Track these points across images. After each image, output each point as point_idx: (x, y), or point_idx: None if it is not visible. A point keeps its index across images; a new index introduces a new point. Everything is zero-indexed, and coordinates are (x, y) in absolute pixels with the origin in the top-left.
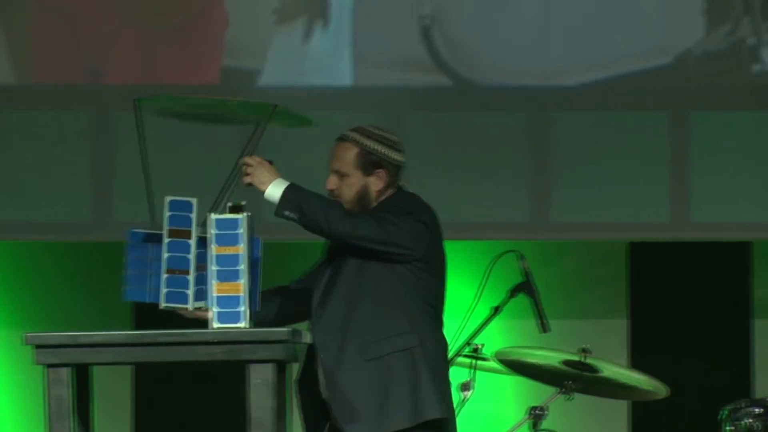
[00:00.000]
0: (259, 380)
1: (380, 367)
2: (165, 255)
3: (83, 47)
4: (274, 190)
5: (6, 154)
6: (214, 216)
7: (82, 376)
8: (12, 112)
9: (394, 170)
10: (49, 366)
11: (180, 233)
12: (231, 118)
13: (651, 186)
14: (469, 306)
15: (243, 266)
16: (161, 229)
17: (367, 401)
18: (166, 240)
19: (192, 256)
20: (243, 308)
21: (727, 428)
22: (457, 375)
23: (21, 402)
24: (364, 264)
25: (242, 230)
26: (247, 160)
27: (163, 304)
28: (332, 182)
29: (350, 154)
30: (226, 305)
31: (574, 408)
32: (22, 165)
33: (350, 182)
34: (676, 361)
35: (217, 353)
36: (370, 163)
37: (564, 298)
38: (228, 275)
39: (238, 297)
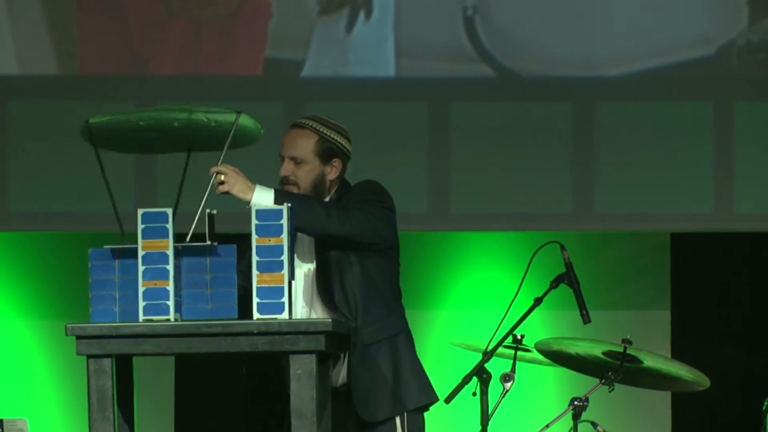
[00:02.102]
0: (301, 371)
1: (382, 350)
2: (141, 268)
3: (128, 38)
4: (262, 197)
5: (51, 144)
6: (255, 207)
7: (123, 366)
8: (57, 102)
9: (347, 160)
10: (91, 357)
11: (156, 245)
12: (187, 135)
13: (694, 177)
14: (512, 297)
15: (284, 257)
16: (132, 242)
17: (382, 384)
18: (141, 253)
19: (170, 266)
20: (284, 299)
21: None
22: (498, 366)
23: (67, 392)
24: (349, 255)
25: (284, 221)
26: (220, 168)
27: (142, 317)
28: (287, 169)
29: (310, 141)
30: (267, 296)
31: (616, 399)
32: (66, 156)
33: (307, 169)
34: (718, 351)
35: (260, 344)
36: (327, 152)
37: (606, 289)
38: (269, 266)
39: (280, 288)
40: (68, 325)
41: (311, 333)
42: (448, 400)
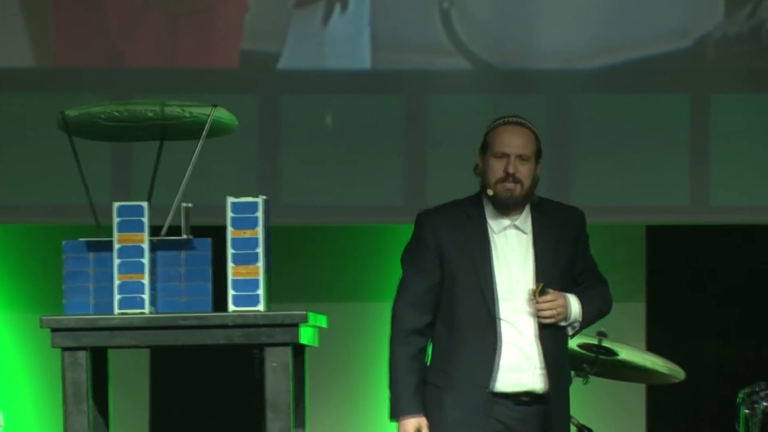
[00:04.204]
0: (276, 363)
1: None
2: (117, 261)
3: (104, 30)
4: (575, 308)
5: (26, 137)
6: (231, 199)
7: (99, 359)
8: (32, 94)
9: None
10: (66, 349)
11: (131, 238)
12: (163, 125)
13: (670, 169)
14: None
15: (260, 249)
16: (107, 235)
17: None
18: (117, 246)
19: (146, 260)
20: (261, 291)
21: (745, 411)
22: None
23: (40, 385)
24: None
25: (259, 214)
26: (551, 297)
27: (117, 311)
28: (514, 166)
29: (531, 139)
30: (243, 288)
31: (591, 392)
32: (41, 148)
33: (530, 168)
34: (694, 344)
35: (235, 336)
36: (539, 152)
37: None
38: (245, 258)
39: (255, 280)
40: (43, 318)
41: (287, 325)
42: None
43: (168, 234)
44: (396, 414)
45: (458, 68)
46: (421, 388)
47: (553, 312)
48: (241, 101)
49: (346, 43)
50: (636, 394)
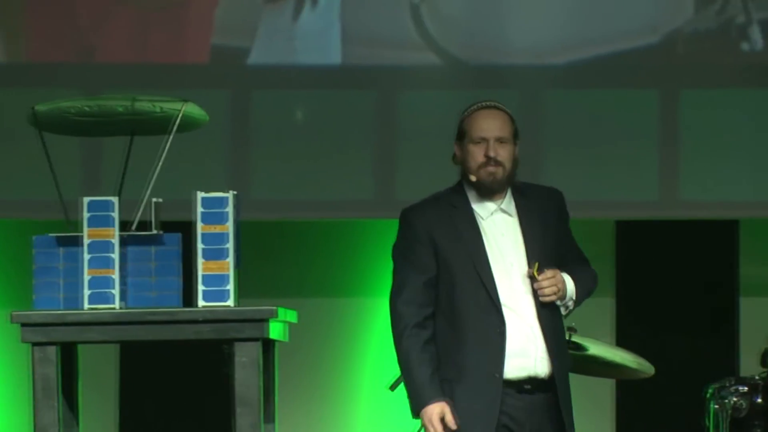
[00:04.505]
0: (246, 358)
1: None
2: (87, 256)
3: (75, 25)
4: (571, 294)
5: None
6: (200, 194)
7: (68, 354)
8: (3, 89)
9: None
10: (36, 344)
11: (101, 233)
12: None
13: (639, 165)
14: None
15: (230, 245)
16: (76, 230)
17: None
18: (86, 241)
19: (116, 255)
20: (230, 286)
21: (713, 406)
22: None
23: (11, 380)
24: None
25: (229, 209)
26: (551, 274)
27: (87, 306)
28: (494, 149)
29: (507, 121)
30: (212, 284)
31: None
32: (11, 143)
33: (510, 150)
34: (662, 339)
35: (204, 332)
36: (515, 133)
37: None
38: (214, 254)
39: (225, 275)
40: (13, 313)
41: (256, 321)
42: (392, 388)
43: (138, 229)
44: (418, 406)
45: (428, 64)
46: (436, 377)
47: (554, 289)
48: (211, 96)
49: (316, 39)
50: (605, 389)
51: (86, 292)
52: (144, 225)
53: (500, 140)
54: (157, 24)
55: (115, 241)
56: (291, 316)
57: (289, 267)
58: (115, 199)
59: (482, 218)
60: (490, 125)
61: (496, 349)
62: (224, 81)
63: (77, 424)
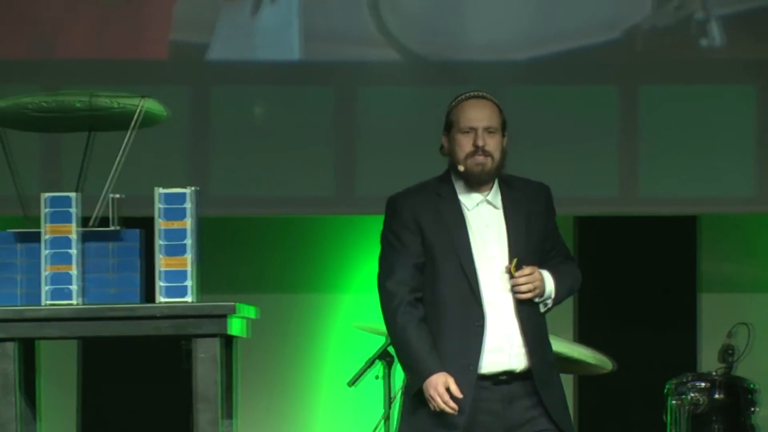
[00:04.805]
0: (204, 354)
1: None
2: (46, 252)
3: (34, 21)
4: (550, 285)
5: None
6: (160, 190)
7: (27, 350)
8: None
9: None
10: None
11: (60, 229)
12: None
13: (599, 160)
14: None
15: (189, 240)
16: (36, 226)
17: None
18: (46, 237)
19: (75, 251)
20: (189, 282)
21: (672, 402)
22: None
23: None
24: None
25: (189, 205)
26: (529, 271)
27: (46, 302)
28: (483, 139)
29: (495, 111)
30: (172, 280)
31: None
32: None
33: (498, 140)
34: (622, 335)
35: (164, 328)
36: (503, 124)
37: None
38: (174, 250)
39: (184, 271)
40: None
41: (215, 316)
42: (351, 384)
43: (97, 225)
44: (420, 378)
45: (388, 60)
46: (435, 351)
47: (531, 286)
48: (170, 92)
49: (275, 34)
50: (565, 384)
51: (45, 288)
52: (104, 221)
53: (489, 130)
54: (116, 20)
55: (75, 237)
56: (251, 312)
57: (248, 263)
58: (74, 195)
59: (468, 209)
60: (478, 115)
61: (474, 342)
62: (183, 77)
63: (36, 420)
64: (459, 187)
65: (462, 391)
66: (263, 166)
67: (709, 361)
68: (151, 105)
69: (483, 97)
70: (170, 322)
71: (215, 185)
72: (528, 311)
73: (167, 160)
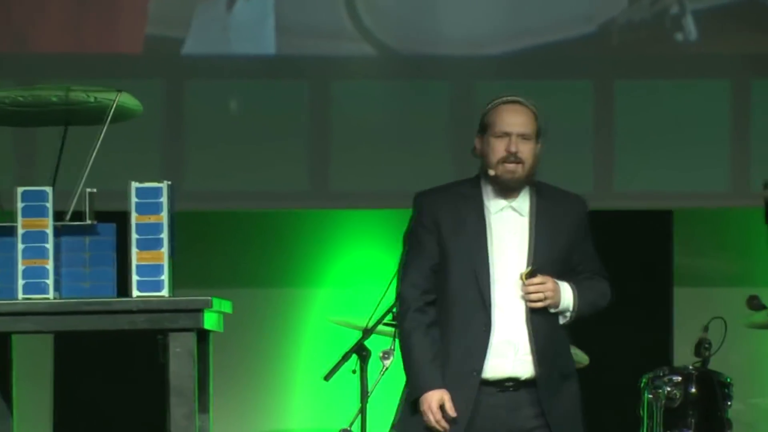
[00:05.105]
0: (180, 349)
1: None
2: (21, 246)
3: (7, 14)
4: (568, 298)
5: None
6: (135, 184)
7: (2, 345)
8: None
9: None
10: None
11: (35, 223)
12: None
13: (574, 155)
14: (391, 274)
15: (164, 235)
16: (11, 220)
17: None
18: (21, 231)
19: (50, 245)
20: (164, 277)
21: (647, 396)
22: (378, 343)
23: None
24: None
25: (164, 199)
26: (540, 281)
27: (21, 296)
28: (516, 146)
29: (532, 118)
30: (147, 274)
31: None
32: None
33: (531, 147)
34: (597, 329)
35: (139, 322)
36: (539, 131)
37: None
38: (149, 244)
39: (159, 266)
40: None
41: (191, 311)
42: (327, 378)
43: (72, 219)
44: (417, 390)
45: (363, 54)
46: (437, 362)
47: (540, 296)
48: (145, 86)
49: (250, 29)
50: None
51: (20, 282)
52: (78, 215)
53: (523, 137)
54: (91, 14)
55: (50, 231)
56: (225, 306)
57: (223, 257)
58: (49, 189)
59: (491, 212)
60: (514, 120)
61: (479, 346)
62: (158, 71)
63: (11, 414)
64: (486, 190)
65: (464, 397)
66: (237, 161)
67: (684, 355)
68: (126, 99)
69: (521, 103)
70: (146, 316)
71: (190, 179)
72: (542, 321)
73: (142, 155)
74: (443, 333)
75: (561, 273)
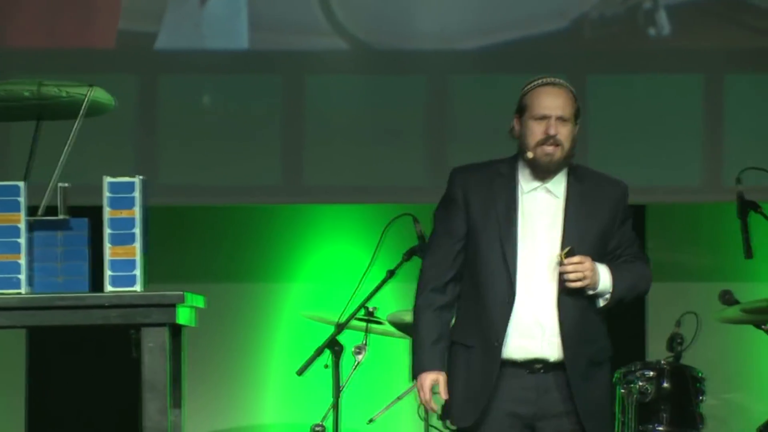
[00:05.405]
0: (153, 344)
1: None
2: None
3: None
4: (606, 280)
5: None
6: (108, 179)
7: None
8: None
9: None
10: None
11: (8, 218)
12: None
13: None
14: (364, 269)
15: (137, 230)
16: None
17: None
18: None
19: (23, 240)
20: (137, 272)
21: (620, 390)
22: (351, 338)
23: None
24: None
25: (137, 194)
26: (578, 260)
27: None
28: (555, 128)
29: (570, 100)
30: (120, 269)
31: None
32: None
33: (570, 129)
34: None
35: (112, 317)
36: (577, 113)
37: None
38: (122, 239)
39: (132, 260)
40: None
41: (164, 306)
42: (300, 372)
43: (45, 214)
44: (415, 370)
45: (336, 49)
46: (441, 344)
47: (579, 275)
48: (118, 81)
49: (223, 23)
50: None
51: None
52: (51, 210)
53: (562, 119)
54: (64, 9)
55: (22, 225)
56: (199, 301)
57: (197, 252)
58: (22, 184)
59: (524, 191)
60: (553, 103)
61: (501, 319)
62: (131, 66)
63: None
64: (522, 170)
65: (487, 368)
66: (211, 155)
67: (657, 350)
68: (98, 94)
69: (559, 85)
70: (119, 311)
71: (163, 174)
72: (574, 303)
73: (115, 149)
74: (473, 309)
75: (595, 258)
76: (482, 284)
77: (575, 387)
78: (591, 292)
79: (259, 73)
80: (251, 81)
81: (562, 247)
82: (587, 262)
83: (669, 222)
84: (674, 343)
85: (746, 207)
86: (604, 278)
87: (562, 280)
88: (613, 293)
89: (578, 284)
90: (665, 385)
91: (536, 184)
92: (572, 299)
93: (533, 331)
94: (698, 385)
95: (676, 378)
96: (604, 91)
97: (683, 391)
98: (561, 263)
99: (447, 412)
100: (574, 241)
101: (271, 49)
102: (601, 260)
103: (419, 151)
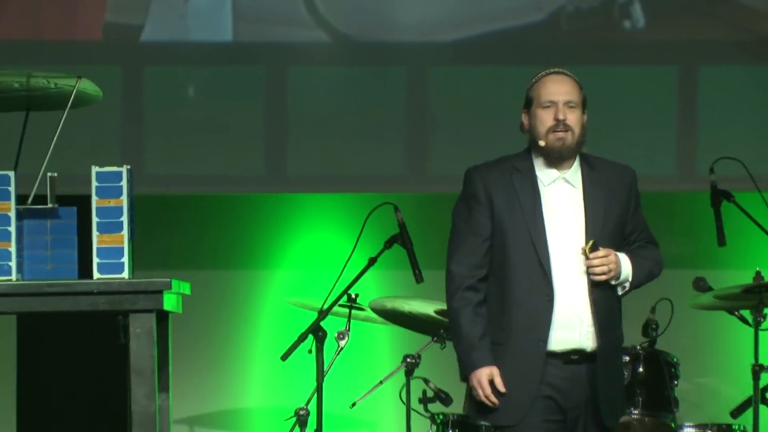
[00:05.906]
0: (140, 329)
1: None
2: None
3: None
4: (628, 270)
5: None
6: (96, 169)
7: None
8: None
9: None
10: None
11: None
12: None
13: (525, 142)
14: (346, 257)
15: (124, 218)
16: None
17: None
18: None
19: (13, 228)
20: (125, 259)
21: None
22: (333, 324)
23: None
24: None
25: (124, 183)
26: (604, 254)
27: None
28: (563, 112)
29: (577, 87)
30: (107, 256)
31: (447, 356)
32: None
33: (578, 115)
34: None
35: (100, 303)
36: (584, 101)
37: (438, 249)
38: (109, 227)
39: (120, 248)
40: None
41: (150, 292)
42: (284, 358)
43: (34, 203)
44: (467, 368)
45: (319, 41)
46: (486, 339)
47: (605, 269)
48: (104, 72)
49: (208, 16)
50: None
51: None
52: (40, 199)
53: (569, 104)
54: (51, 1)
55: (12, 214)
56: (184, 287)
57: (182, 240)
58: (11, 174)
59: (544, 184)
60: (559, 89)
61: (542, 316)
62: (117, 57)
63: None
64: (538, 163)
65: (531, 368)
66: (196, 145)
67: (632, 335)
68: (86, 85)
69: (563, 73)
70: (107, 297)
71: (149, 164)
72: (601, 293)
73: (102, 140)
74: (503, 306)
75: (616, 245)
76: (514, 281)
77: (599, 376)
78: (614, 282)
79: (243, 64)
80: (235, 72)
81: (586, 240)
82: (612, 255)
83: (644, 210)
84: (649, 328)
85: (719, 196)
86: (626, 268)
87: (589, 273)
88: (632, 281)
89: (604, 277)
90: (640, 369)
91: (554, 175)
92: (601, 289)
93: (572, 323)
94: (672, 369)
95: (651, 363)
96: (580, 83)
97: (658, 375)
98: (586, 257)
99: (484, 411)
100: (597, 231)
101: (255, 41)
102: (620, 247)
103: (400, 141)
